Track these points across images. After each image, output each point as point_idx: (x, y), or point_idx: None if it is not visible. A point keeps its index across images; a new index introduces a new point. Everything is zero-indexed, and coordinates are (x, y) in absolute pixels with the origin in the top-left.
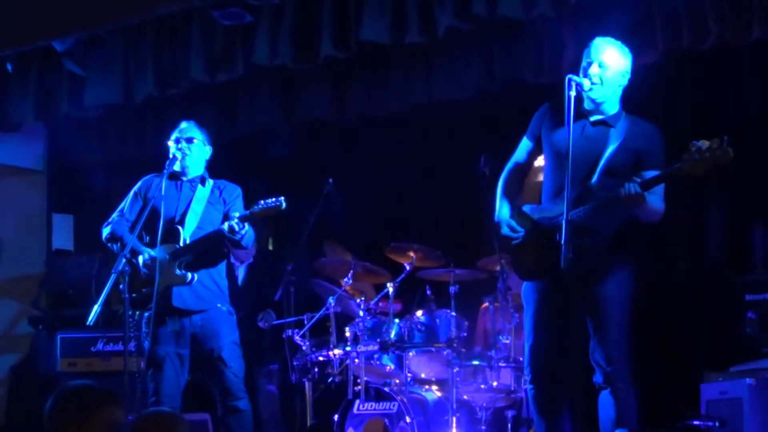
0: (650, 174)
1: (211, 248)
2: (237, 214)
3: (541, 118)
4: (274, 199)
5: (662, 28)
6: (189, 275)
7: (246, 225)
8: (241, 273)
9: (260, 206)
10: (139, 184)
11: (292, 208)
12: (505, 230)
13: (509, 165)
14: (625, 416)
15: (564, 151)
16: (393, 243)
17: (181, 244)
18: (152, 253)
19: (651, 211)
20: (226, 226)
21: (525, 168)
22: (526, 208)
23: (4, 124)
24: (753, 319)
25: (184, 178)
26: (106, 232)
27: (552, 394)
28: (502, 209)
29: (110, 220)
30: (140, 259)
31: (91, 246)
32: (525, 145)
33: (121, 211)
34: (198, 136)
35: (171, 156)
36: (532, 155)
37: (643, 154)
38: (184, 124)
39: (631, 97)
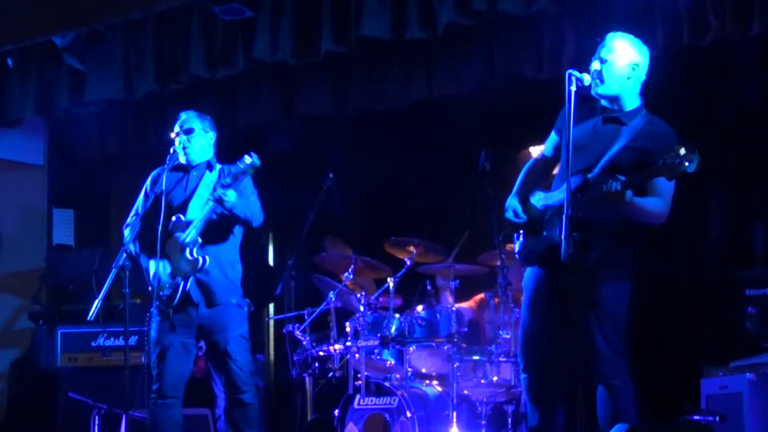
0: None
1: (216, 231)
2: (223, 183)
3: (565, 112)
4: (249, 158)
5: (662, 23)
6: (200, 259)
7: (231, 190)
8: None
9: (237, 168)
10: (147, 180)
11: (293, 203)
12: (509, 214)
13: (537, 156)
14: (624, 412)
15: (572, 144)
16: (393, 238)
17: (185, 231)
18: (165, 269)
19: (643, 212)
20: (216, 193)
21: (550, 161)
22: (534, 197)
23: (5, 119)
24: (753, 314)
25: (189, 167)
26: (126, 234)
27: (546, 384)
28: (513, 195)
29: (128, 222)
30: (154, 266)
31: (92, 241)
32: (552, 139)
33: (136, 211)
34: (197, 125)
35: (172, 150)
36: (559, 149)
37: (651, 155)
38: (183, 115)
39: None
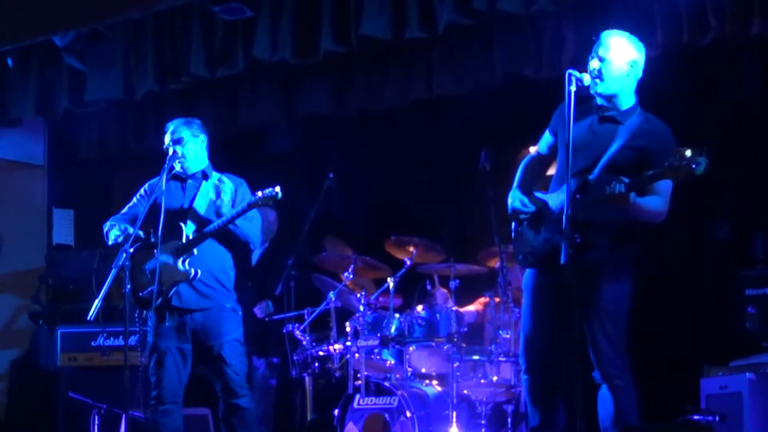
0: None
1: (214, 244)
2: (226, 199)
3: (559, 113)
4: (270, 189)
5: (662, 23)
6: (192, 271)
7: (224, 201)
8: (255, 255)
9: (256, 198)
10: (144, 186)
11: (293, 202)
12: (516, 204)
13: (532, 154)
14: (624, 411)
15: (568, 145)
16: (393, 236)
17: (184, 240)
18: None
19: (645, 212)
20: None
21: (545, 160)
22: (538, 194)
23: (5, 119)
24: (753, 314)
25: (185, 175)
26: (106, 227)
27: (547, 385)
28: (515, 188)
29: (111, 220)
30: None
31: (92, 241)
32: (546, 138)
33: (127, 212)
34: (185, 133)
35: (171, 152)
36: (554, 149)
37: (649, 153)
38: (170, 126)
39: None
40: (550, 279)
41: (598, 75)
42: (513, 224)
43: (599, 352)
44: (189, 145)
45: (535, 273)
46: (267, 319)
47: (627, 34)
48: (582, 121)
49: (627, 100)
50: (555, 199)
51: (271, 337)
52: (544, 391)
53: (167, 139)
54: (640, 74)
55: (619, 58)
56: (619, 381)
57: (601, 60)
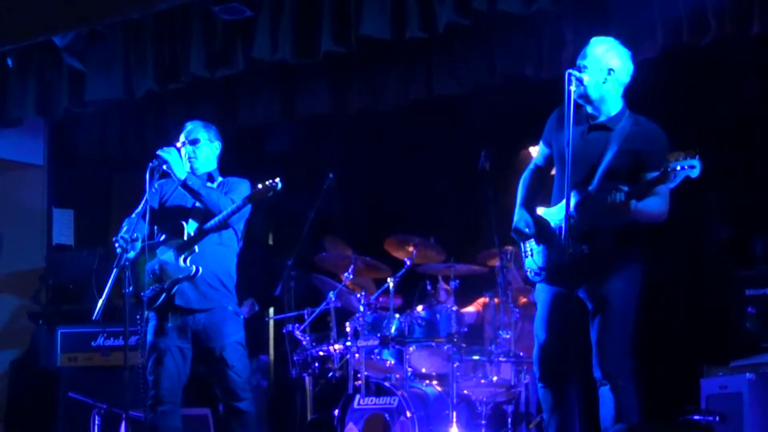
0: (650, 176)
1: (214, 237)
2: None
3: (551, 123)
4: (270, 181)
5: (662, 23)
6: (194, 268)
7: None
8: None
9: (257, 189)
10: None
11: (293, 203)
12: (521, 224)
13: (530, 166)
14: (625, 412)
15: (566, 152)
16: (394, 235)
17: (185, 238)
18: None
19: (647, 215)
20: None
21: (544, 170)
22: (540, 211)
23: (5, 119)
24: (753, 314)
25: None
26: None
27: (562, 393)
28: (519, 207)
29: (122, 232)
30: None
31: (92, 241)
32: (541, 150)
33: (136, 216)
34: (203, 136)
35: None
36: (549, 159)
37: (644, 156)
38: (189, 125)
39: (629, 93)
40: (560, 291)
41: (578, 82)
42: (520, 243)
43: (604, 352)
44: (203, 148)
45: (546, 287)
46: (267, 319)
47: (611, 41)
48: (575, 128)
49: (614, 105)
50: (557, 213)
51: (262, 337)
52: (560, 398)
53: (182, 137)
54: (624, 79)
55: (597, 65)
56: (621, 381)
57: (580, 68)
